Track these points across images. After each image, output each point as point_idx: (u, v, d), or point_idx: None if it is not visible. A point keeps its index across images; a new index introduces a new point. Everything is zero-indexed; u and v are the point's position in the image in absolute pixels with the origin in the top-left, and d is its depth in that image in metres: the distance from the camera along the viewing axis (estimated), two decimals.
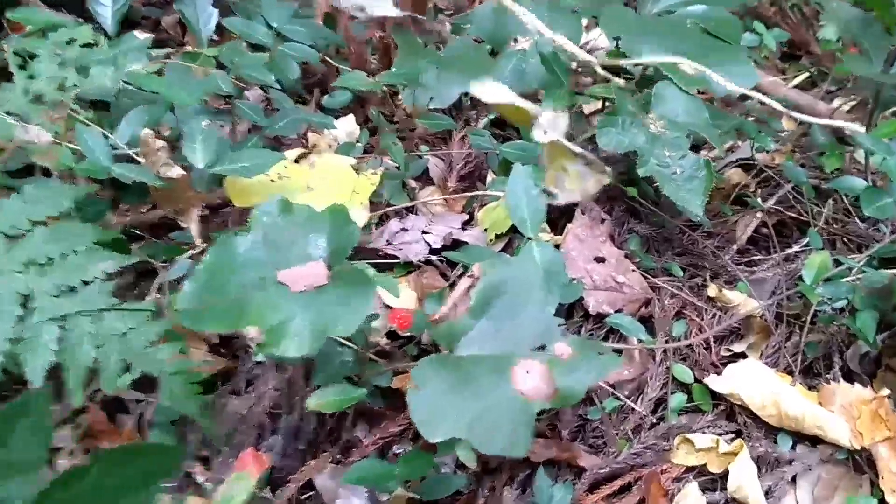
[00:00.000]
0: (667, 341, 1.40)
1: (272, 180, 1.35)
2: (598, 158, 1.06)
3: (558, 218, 1.60)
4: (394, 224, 1.58)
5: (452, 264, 1.53)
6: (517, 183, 1.31)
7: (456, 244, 1.55)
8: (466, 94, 1.82)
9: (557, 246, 1.50)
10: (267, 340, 0.98)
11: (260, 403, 1.23)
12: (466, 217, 1.62)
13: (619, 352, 1.42)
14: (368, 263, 1.54)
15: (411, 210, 1.65)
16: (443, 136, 1.85)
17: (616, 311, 1.44)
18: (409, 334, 1.33)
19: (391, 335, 1.35)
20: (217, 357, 1.32)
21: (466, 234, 1.56)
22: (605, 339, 1.48)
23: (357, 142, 1.73)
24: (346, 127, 1.79)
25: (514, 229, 1.54)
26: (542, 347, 1.11)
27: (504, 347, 1.11)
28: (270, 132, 1.52)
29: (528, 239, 1.28)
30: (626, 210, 1.70)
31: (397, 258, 1.53)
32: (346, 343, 1.26)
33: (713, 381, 1.32)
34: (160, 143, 1.29)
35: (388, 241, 1.56)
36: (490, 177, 1.68)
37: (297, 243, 1.07)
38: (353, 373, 1.19)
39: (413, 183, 1.73)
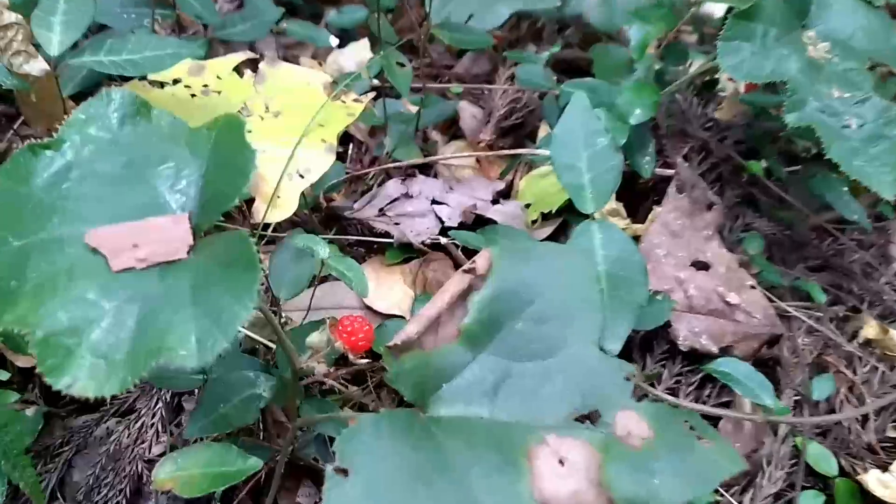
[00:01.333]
0: (797, 406, 0.85)
1: (193, 94, 0.86)
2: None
3: (641, 196, 1.06)
4: (392, 187, 1.07)
5: (474, 252, 1.00)
6: (574, 121, 0.78)
7: (480, 223, 1.02)
8: (521, 14, 1.29)
9: (636, 238, 0.96)
10: (42, 359, 0.49)
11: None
12: (503, 186, 1.10)
13: (716, 419, 0.88)
14: (340, 240, 1.04)
15: (425, 171, 1.13)
16: (486, 78, 1.33)
17: (722, 349, 0.90)
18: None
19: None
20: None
21: (497, 210, 1.03)
22: (698, 389, 0.94)
23: (371, 78, 1.21)
24: (357, 54, 1.29)
25: (570, 208, 1.01)
26: (591, 416, 0.59)
27: (520, 410, 0.60)
28: (222, 35, 1.02)
29: (587, 218, 0.75)
30: (741, 195, 1.15)
31: (391, 237, 1.02)
32: (264, 366, 0.76)
33: (871, 479, 0.80)
34: (14, 17, 0.81)
35: (380, 210, 1.05)
36: (543, 131, 1.15)
37: (142, 178, 0.57)
38: (253, 419, 0.69)
39: (434, 134, 1.21)
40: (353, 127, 1.22)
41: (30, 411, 0.87)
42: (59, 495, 0.87)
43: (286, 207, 0.81)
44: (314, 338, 0.69)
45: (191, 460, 0.60)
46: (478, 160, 1.16)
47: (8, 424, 0.67)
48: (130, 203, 0.56)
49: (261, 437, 0.87)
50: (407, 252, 1.04)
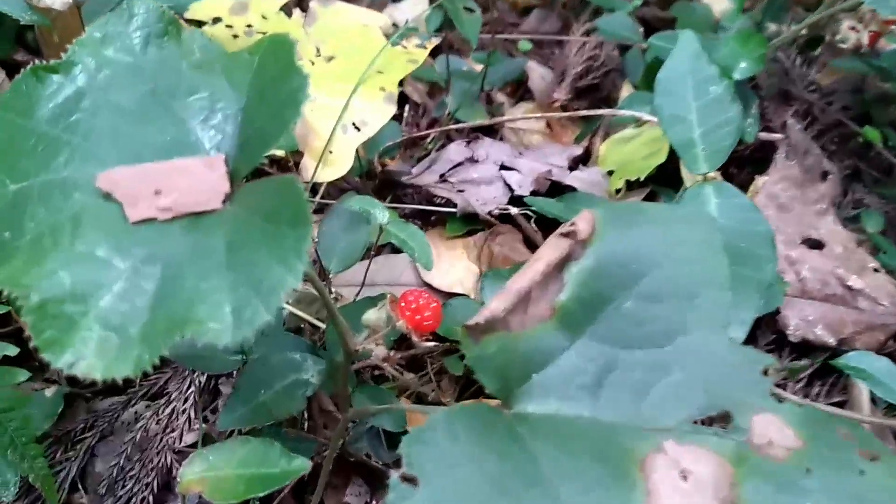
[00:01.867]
0: None
1: (235, 35, 0.75)
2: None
3: (739, 163, 0.93)
4: (455, 150, 0.95)
5: (547, 225, 0.89)
6: (682, 66, 0.65)
7: (555, 191, 0.90)
8: None
9: None
10: (38, 330, 0.38)
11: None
12: (580, 152, 0.97)
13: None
14: (395, 209, 0.93)
15: (491, 133, 1.01)
16: (555, 38, 1.20)
17: (840, 341, 0.77)
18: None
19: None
20: None
21: (575, 177, 0.91)
22: (806, 387, 0.81)
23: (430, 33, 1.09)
24: (413, 9, 1.17)
25: (658, 176, 0.88)
26: (719, 419, 0.47)
27: (629, 409, 0.48)
28: None
29: (700, 180, 0.63)
30: (851, 167, 1.01)
31: (453, 206, 0.90)
32: (312, 346, 0.65)
33: None
34: None
35: (441, 176, 0.93)
36: (625, 91, 1.03)
37: (169, 111, 0.46)
38: (298, 409, 0.58)
39: (500, 96, 1.09)
40: (410, 86, 1.11)
41: (49, 391, 0.77)
42: (80, 486, 0.78)
43: (340, 164, 0.70)
44: (372, 315, 0.58)
45: (224, 457, 0.49)
46: (549, 124, 1.04)
47: (14, 408, 0.58)
48: (154, 140, 0.45)
49: (306, 429, 0.77)
50: (471, 223, 0.92)
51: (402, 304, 0.59)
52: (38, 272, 0.40)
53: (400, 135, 0.97)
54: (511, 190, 0.92)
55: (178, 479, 0.49)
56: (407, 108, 1.09)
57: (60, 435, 0.80)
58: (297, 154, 0.72)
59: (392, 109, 0.74)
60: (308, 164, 0.70)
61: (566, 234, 0.50)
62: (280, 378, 0.60)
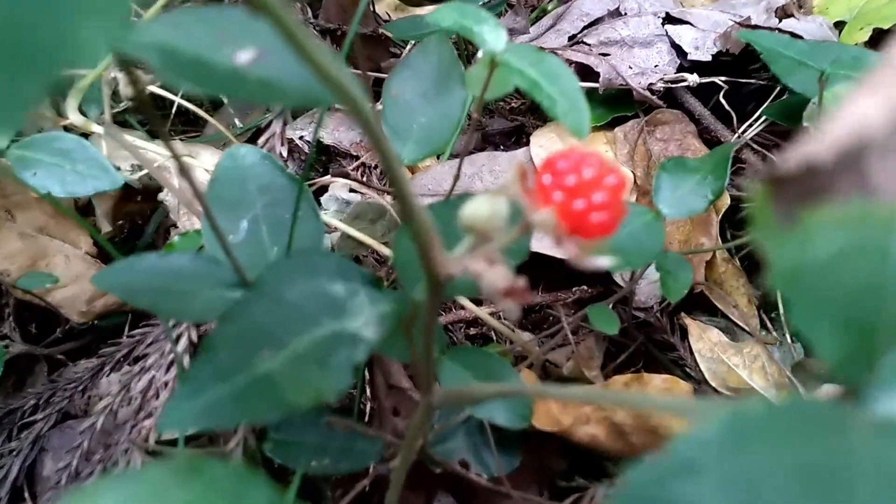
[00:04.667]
0: None
1: None
2: None
3: None
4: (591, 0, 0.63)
5: (741, 104, 0.56)
6: None
7: (754, 58, 0.58)
8: None
9: None
10: None
11: None
12: None
13: None
14: None
15: None
16: None
17: None
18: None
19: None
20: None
21: (792, 27, 0.57)
22: None
23: None
24: None
25: None
26: None
27: None
28: None
29: None
30: None
31: (592, 79, 0.59)
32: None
33: None
34: None
35: (571, 38, 0.61)
36: None
37: None
38: (339, 389, 0.28)
39: None
40: None
41: None
42: (25, 494, 0.51)
43: None
44: (482, 207, 0.28)
45: None
46: None
47: None
48: None
49: (364, 419, 0.48)
50: (618, 107, 0.60)
51: (548, 177, 0.28)
52: None
53: None
54: (681, 53, 0.59)
55: None
56: None
57: (2, 416, 0.53)
58: None
59: None
60: None
61: None
62: (303, 328, 0.30)
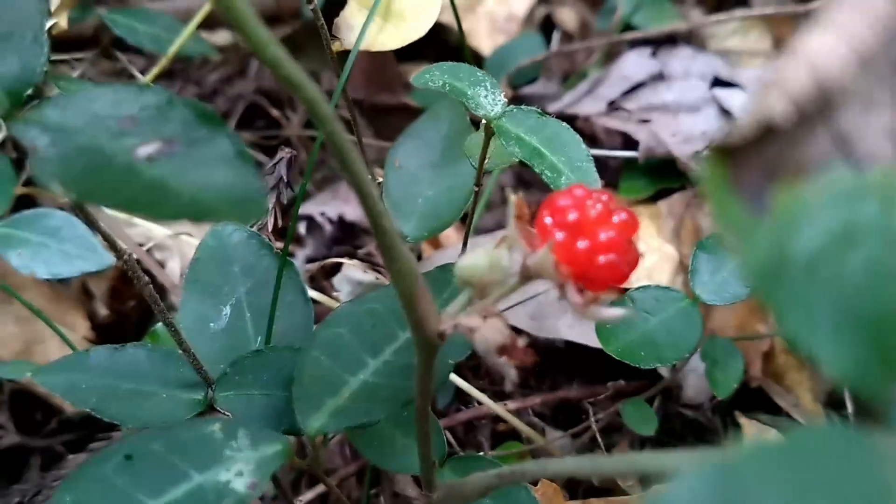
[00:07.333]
0: None
1: None
2: None
3: None
4: (633, 63, 0.58)
5: None
6: None
7: None
8: None
9: None
10: None
11: None
12: None
13: None
14: None
15: (677, 42, 0.63)
16: None
17: None
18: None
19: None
20: None
21: None
22: None
23: None
24: None
25: None
26: None
27: None
28: None
29: None
30: None
31: (632, 146, 0.53)
32: None
33: None
34: None
35: (610, 103, 0.56)
36: None
37: None
38: None
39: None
40: (557, 4, 0.75)
41: None
42: None
43: (416, 18, 0.35)
44: (478, 257, 0.23)
45: None
46: (770, 18, 0.65)
47: None
48: None
49: None
50: (662, 177, 0.54)
51: (548, 215, 0.23)
52: None
53: (542, 48, 0.61)
54: (732, 119, 0.53)
55: None
56: (556, 36, 0.73)
57: None
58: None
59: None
60: (352, 14, 0.36)
61: None
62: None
